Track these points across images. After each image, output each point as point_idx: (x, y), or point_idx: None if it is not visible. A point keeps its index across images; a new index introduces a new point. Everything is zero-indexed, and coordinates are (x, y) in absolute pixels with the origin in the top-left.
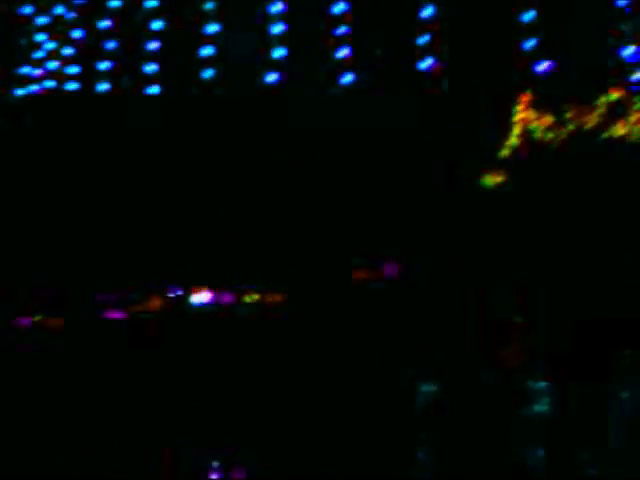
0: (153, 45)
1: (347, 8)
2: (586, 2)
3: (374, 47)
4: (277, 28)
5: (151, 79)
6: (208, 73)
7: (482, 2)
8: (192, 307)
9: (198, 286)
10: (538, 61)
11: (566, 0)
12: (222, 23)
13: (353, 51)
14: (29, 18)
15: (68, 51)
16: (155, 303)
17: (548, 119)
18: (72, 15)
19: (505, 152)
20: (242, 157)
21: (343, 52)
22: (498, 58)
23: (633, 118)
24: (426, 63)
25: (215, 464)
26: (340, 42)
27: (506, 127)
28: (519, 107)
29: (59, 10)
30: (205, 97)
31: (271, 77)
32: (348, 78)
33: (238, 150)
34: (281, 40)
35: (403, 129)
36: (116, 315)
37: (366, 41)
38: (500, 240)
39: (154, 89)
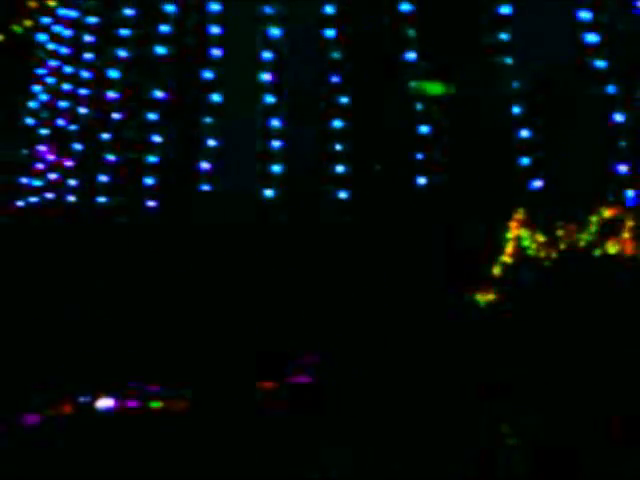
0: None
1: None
2: (581, 119)
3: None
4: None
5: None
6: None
7: (477, 121)
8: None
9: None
10: (531, 179)
11: (562, 120)
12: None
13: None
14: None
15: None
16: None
17: (540, 237)
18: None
19: (497, 270)
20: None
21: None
22: (492, 176)
23: (626, 235)
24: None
25: None
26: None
27: (498, 244)
28: (512, 224)
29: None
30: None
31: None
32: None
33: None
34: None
35: None
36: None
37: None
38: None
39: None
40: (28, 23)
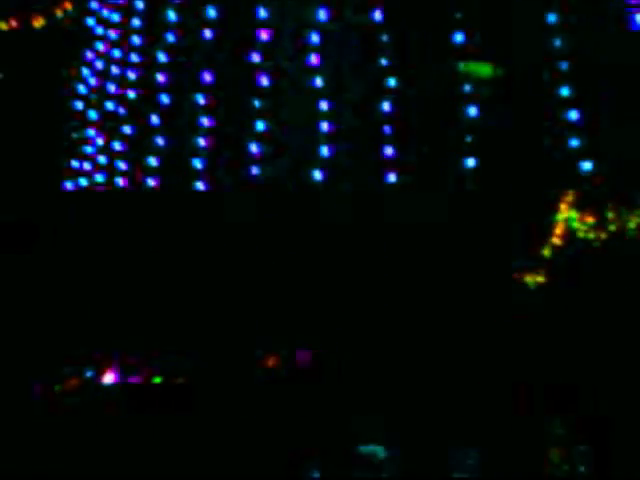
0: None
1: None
2: (630, 103)
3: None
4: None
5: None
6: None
7: (523, 103)
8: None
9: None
10: (581, 161)
11: (610, 101)
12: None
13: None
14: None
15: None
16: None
17: (590, 219)
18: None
19: (546, 251)
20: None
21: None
22: (541, 157)
23: None
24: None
25: None
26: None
27: (548, 226)
28: (561, 206)
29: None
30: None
31: (317, 174)
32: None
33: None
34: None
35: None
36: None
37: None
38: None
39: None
40: (69, 7)
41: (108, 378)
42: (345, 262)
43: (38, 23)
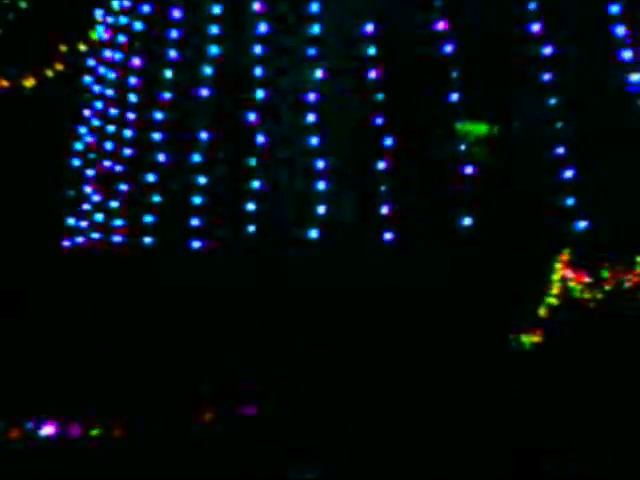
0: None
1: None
2: (623, 160)
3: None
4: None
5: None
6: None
7: (519, 162)
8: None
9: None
10: (577, 220)
11: (604, 159)
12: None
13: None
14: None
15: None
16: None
17: (586, 278)
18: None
19: (542, 311)
20: None
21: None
22: (537, 216)
23: None
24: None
25: None
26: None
27: (544, 286)
28: (558, 266)
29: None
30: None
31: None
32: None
33: None
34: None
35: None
36: None
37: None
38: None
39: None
40: (60, 67)
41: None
42: (334, 325)
43: (29, 83)
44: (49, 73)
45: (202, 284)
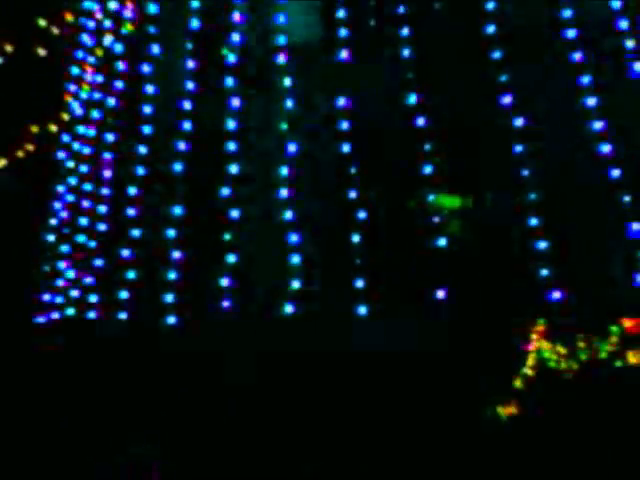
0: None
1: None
2: (595, 229)
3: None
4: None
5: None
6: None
7: (492, 233)
8: None
9: None
10: (551, 290)
11: (577, 231)
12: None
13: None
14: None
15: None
16: None
17: (561, 349)
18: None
19: (518, 383)
20: None
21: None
22: (511, 286)
23: None
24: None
25: None
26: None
27: (519, 357)
28: (533, 336)
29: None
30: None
31: (289, 308)
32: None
33: None
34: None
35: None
36: None
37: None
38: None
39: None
40: (31, 147)
41: None
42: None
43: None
44: (20, 154)
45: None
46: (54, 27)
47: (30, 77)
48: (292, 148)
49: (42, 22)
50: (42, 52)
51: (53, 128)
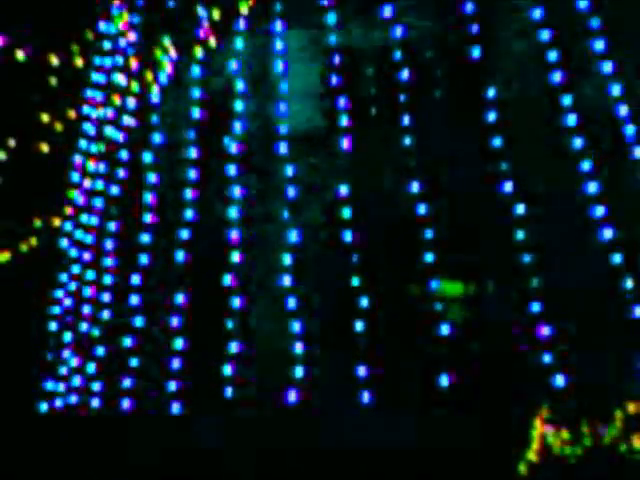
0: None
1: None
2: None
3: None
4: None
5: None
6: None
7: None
8: None
9: None
10: (554, 375)
11: (578, 317)
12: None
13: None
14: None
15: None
16: None
17: (565, 434)
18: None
19: (522, 468)
20: None
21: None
22: (514, 372)
23: None
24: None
25: None
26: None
27: (524, 442)
28: (537, 422)
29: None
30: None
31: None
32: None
33: None
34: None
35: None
36: None
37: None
38: None
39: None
40: (34, 242)
41: None
42: None
43: (3, 258)
44: (24, 248)
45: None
46: (57, 123)
47: (33, 171)
48: (294, 236)
49: (45, 118)
50: (45, 148)
51: (57, 222)
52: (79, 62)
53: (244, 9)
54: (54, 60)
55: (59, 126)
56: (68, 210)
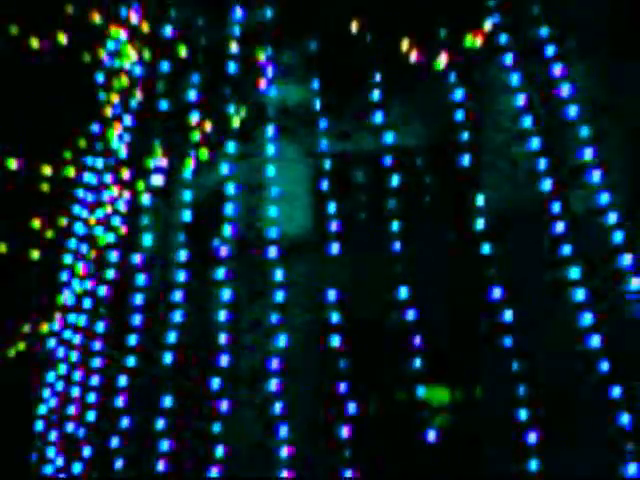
0: None
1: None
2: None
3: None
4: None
5: None
6: None
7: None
8: None
9: None
10: None
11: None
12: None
13: None
14: None
15: None
16: None
17: None
18: None
19: None
20: None
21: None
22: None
23: None
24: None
25: None
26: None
27: None
28: None
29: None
30: None
31: None
32: None
33: None
34: None
35: None
36: None
37: None
38: None
39: None
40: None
41: None
42: None
43: None
44: (12, 353)
45: None
46: (49, 230)
47: (23, 277)
48: (282, 341)
49: (36, 224)
50: (36, 255)
51: (45, 329)
52: (71, 171)
53: (236, 123)
54: (46, 170)
55: (50, 233)
56: (57, 316)
